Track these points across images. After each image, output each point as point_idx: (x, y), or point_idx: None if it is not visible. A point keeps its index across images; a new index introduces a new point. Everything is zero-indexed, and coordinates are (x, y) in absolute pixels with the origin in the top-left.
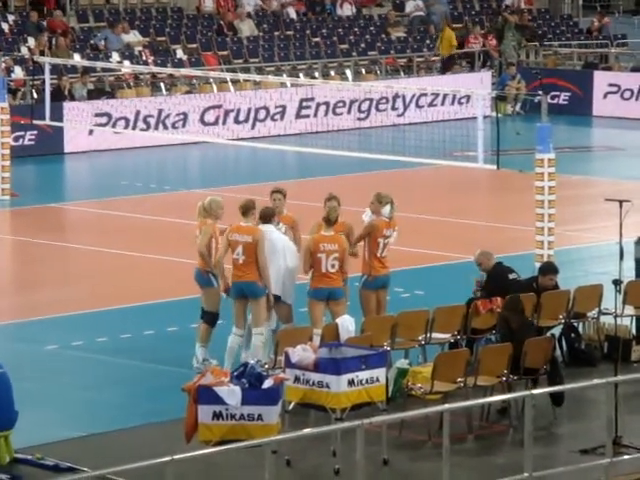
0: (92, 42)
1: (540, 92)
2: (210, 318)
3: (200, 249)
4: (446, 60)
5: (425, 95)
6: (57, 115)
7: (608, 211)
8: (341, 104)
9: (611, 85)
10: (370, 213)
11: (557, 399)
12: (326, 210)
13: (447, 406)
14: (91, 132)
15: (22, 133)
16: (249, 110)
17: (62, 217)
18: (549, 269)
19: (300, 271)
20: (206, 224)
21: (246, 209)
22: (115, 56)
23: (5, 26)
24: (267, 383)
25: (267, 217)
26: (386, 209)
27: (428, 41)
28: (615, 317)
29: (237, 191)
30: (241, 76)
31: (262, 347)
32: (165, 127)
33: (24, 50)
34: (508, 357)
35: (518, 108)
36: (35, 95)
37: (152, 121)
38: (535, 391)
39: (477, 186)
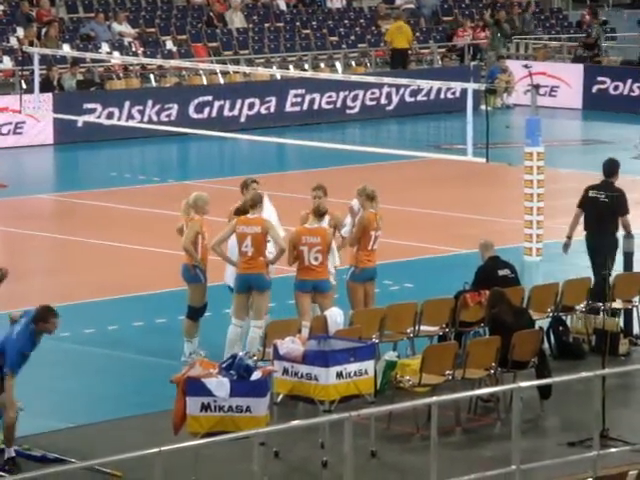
0: (82, 32)
1: (529, 85)
2: (193, 313)
3: (185, 244)
4: (398, 54)
5: (415, 87)
6: (46, 106)
7: None
8: (331, 96)
9: (600, 78)
10: (358, 204)
11: (545, 392)
12: (315, 202)
13: (435, 399)
14: (80, 123)
15: (11, 123)
16: (239, 102)
17: (51, 208)
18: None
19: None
20: (193, 220)
21: (254, 202)
22: (105, 47)
23: None
24: (255, 375)
25: (246, 213)
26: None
27: (418, 34)
28: (603, 310)
29: (225, 182)
30: (231, 68)
31: (259, 340)
32: (154, 118)
33: (13, 40)
34: (496, 350)
35: (507, 101)
36: (24, 85)
37: (141, 112)
38: (523, 384)
39: (466, 179)
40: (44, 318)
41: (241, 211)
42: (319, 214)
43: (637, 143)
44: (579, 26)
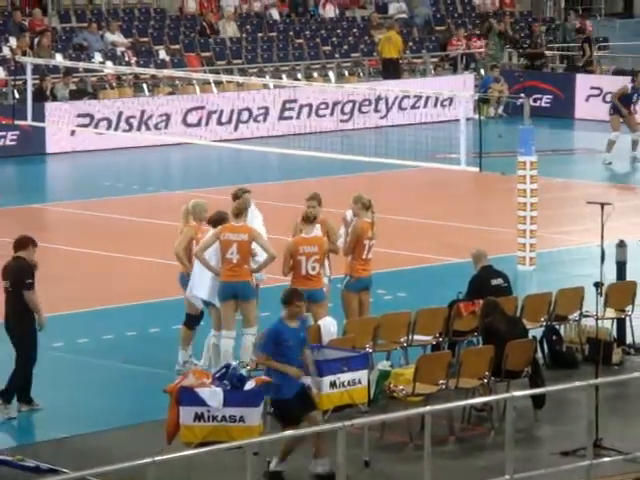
0: (74, 42)
1: (522, 95)
2: (191, 321)
3: (176, 250)
4: (389, 64)
5: (408, 97)
6: (39, 115)
7: (590, 214)
8: (324, 106)
9: (593, 88)
10: (352, 214)
11: (538, 401)
12: (305, 209)
13: (429, 408)
14: (73, 133)
15: (4, 133)
16: (232, 111)
17: (44, 218)
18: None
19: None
20: (188, 226)
21: (239, 211)
22: (97, 57)
23: None
24: (249, 385)
25: (218, 222)
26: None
27: (411, 43)
28: (596, 320)
29: (219, 192)
30: (224, 77)
31: (252, 348)
32: (147, 128)
33: (6, 50)
34: (490, 359)
35: (500, 111)
36: (17, 95)
37: (134, 122)
38: (516, 393)
39: (459, 188)
40: (288, 301)
41: (213, 221)
42: (308, 221)
43: (605, 157)
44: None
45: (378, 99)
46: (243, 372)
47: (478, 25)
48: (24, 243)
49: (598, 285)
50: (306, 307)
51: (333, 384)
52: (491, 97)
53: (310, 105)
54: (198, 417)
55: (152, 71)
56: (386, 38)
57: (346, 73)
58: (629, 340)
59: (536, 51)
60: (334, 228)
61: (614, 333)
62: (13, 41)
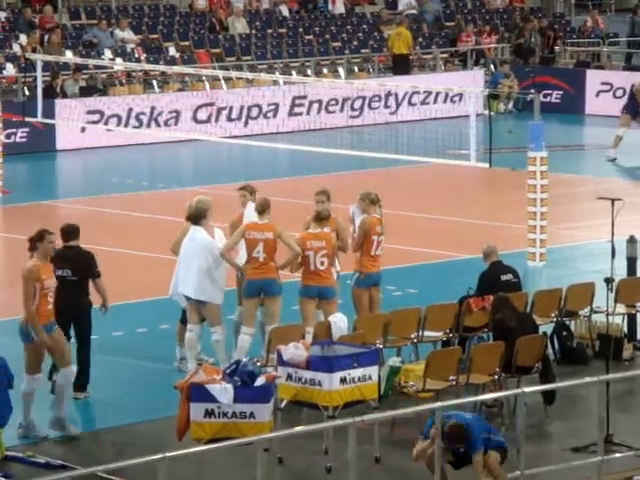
0: (84, 39)
1: (533, 90)
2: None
3: (175, 242)
4: (399, 59)
5: (418, 93)
6: (49, 112)
7: (600, 209)
8: (334, 102)
9: (603, 84)
10: (354, 208)
11: (549, 397)
12: (318, 207)
13: (439, 404)
14: (83, 129)
15: (14, 130)
16: (241, 108)
17: (54, 214)
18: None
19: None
20: (188, 223)
21: (263, 208)
22: (107, 53)
23: None
24: (259, 381)
25: (198, 219)
26: (377, 210)
27: (421, 39)
28: (607, 315)
29: (229, 189)
30: (233, 74)
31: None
32: (157, 125)
33: (16, 47)
34: (500, 355)
35: (511, 106)
36: (27, 92)
37: (144, 119)
38: (527, 389)
39: (470, 184)
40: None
41: (192, 218)
42: (319, 219)
43: (609, 154)
44: (581, 32)
45: (388, 95)
46: (253, 368)
47: (517, 22)
48: (75, 232)
49: (609, 281)
50: (316, 304)
51: (344, 380)
52: (501, 93)
53: (320, 101)
54: (208, 413)
55: (162, 68)
56: (396, 34)
57: (356, 69)
58: None
59: (529, 47)
60: (344, 226)
61: (625, 329)
62: (23, 38)
